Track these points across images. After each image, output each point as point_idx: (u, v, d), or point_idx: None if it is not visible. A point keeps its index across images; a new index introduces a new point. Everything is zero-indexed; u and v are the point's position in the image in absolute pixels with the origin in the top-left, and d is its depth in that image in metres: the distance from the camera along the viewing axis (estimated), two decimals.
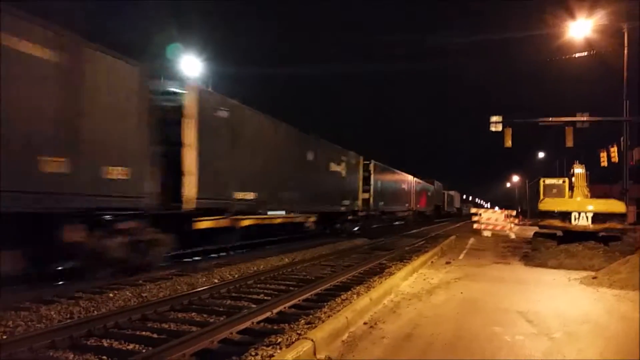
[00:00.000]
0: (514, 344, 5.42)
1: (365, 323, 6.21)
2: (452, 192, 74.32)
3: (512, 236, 22.59)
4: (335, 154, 20.62)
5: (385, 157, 28.93)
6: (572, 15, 22.52)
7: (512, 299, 8.00)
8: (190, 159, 10.55)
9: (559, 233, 15.50)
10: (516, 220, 27.99)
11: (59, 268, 9.33)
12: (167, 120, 10.20)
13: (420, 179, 43.29)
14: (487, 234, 22.81)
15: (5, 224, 6.81)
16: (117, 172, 8.71)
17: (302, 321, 6.36)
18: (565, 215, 14.66)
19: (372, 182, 25.44)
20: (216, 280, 9.77)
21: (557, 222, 14.92)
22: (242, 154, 12.76)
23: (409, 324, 6.27)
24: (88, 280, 8.82)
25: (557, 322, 6.44)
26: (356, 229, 23.85)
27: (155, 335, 5.98)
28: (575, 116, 22.90)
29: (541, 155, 62.94)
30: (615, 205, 14.97)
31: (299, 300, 7.85)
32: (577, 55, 23.86)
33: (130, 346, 5.54)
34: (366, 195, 24.78)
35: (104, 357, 5.12)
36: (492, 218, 23.84)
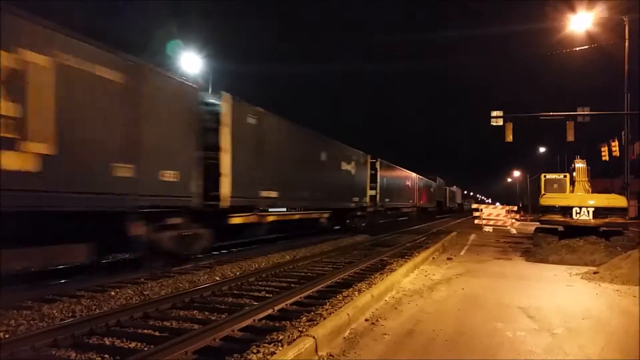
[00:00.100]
0: (515, 340, 5.43)
1: (366, 320, 6.22)
2: (453, 188, 74.56)
3: (513, 232, 22.61)
4: (345, 153, 21.63)
5: (386, 154, 29.24)
6: (572, 9, 22.48)
7: (514, 295, 8.00)
8: (225, 162, 11.79)
9: (560, 228, 15.48)
10: (517, 216, 28.01)
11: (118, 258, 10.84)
12: (207, 128, 11.38)
13: (423, 175, 43.81)
14: (488, 229, 22.82)
15: (84, 221, 8.28)
16: (170, 175, 10.00)
17: (304, 318, 6.37)
18: (567, 210, 14.64)
19: (378, 179, 26.36)
20: (218, 278, 9.78)
21: (558, 217, 14.90)
22: (267, 156, 13.98)
23: (410, 320, 6.28)
24: (145, 268, 10.11)
25: (558, 317, 6.45)
26: (363, 224, 24.43)
27: (157, 333, 5.99)
28: (576, 110, 22.86)
29: (542, 150, 62.97)
30: (616, 200, 14.94)
31: (301, 297, 7.86)
32: (578, 49, 23.82)
33: (132, 344, 5.54)
34: (373, 192, 25.66)
35: (106, 356, 5.12)
36: (493, 214, 23.84)
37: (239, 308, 7.12)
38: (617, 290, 8.44)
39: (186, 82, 10.81)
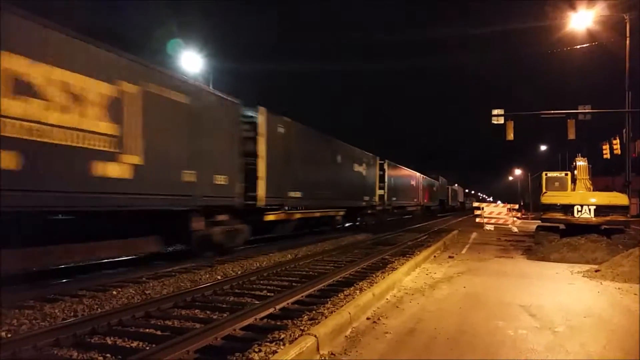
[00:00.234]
0: (516, 338, 5.43)
1: (368, 318, 6.22)
2: (455, 187, 75.02)
3: (515, 230, 22.60)
4: (357, 155, 23.34)
5: (387, 154, 29.77)
6: (573, 7, 22.45)
7: (515, 293, 8.00)
8: (261, 167, 13.61)
9: (562, 226, 15.47)
10: (519, 214, 27.99)
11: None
12: (245, 137, 13.18)
13: (426, 175, 45.01)
14: (489, 228, 22.81)
15: (155, 219, 10.19)
16: (221, 179, 11.79)
17: (305, 317, 6.37)
18: (568, 208, 14.62)
19: (386, 179, 27.98)
20: (219, 277, 9.79)
21: (559, 215, 14.88)
22: (292, 160, 15.77)
23: (412, 318, 6.28)
24: (198, 257, 11.76)
25: (560, 315, 6.45)
26: (373, 222, 25.78)
27: (158, 333, 6.00)
28: (577, 108, 22.83)
29: (543, 148, 62.90)
30: (617, 198, 14.92)
31: (302, 296, 7.86)
32: (579, 47, 23.79)
33: (134, 344, 5.55)
34: (381, 192, 27.27)
35: (108, 355, 5.13)
36: (494, 212, 23.82)
37: (240, 307, 7.13)
38: (619, 289, 8.43)
39: (230, 99, 12.53)
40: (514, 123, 23.66)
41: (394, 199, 30.16)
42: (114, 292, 8.03)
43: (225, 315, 6.67)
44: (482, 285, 8.73)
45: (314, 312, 6.67)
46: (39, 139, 7.15)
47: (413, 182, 37.77)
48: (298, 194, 16.03)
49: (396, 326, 5.88)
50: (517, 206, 27.06)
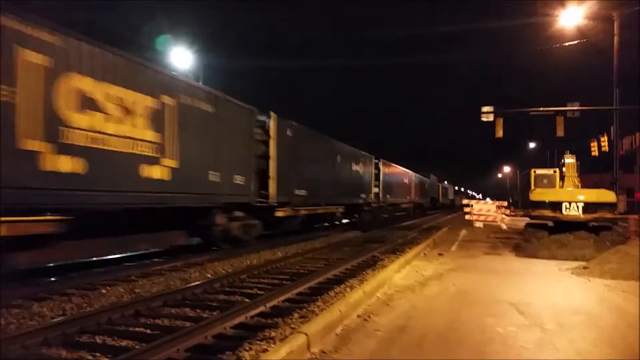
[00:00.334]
0: (506, 335, 5.47)
1: (359, 316, 6.23)
2: (446, 185, 75.55)
3: (504, 227, 22.73)
4: (354, 155, 24.63)
5: (378, 150, 30.25)
6: (562, 3, 22.59)
7: (504, 290, 8.06)
8: (272, 167, 14.87)
9: (550, 223, 15.60)
10: (507, 211, 28.15)
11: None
12: (258, 140, 14.49)
13: (418, 173, 46.01)
14: (478, 225, 22.90)
15: (183, 214, 11.44)
16: (239, 179, 13.14)
17: (296, 315, 6.36)
18: (556, 206, 14.74)
19: (380, 177, 29.23)
20: (209, 275, 9.76)
21: (548, 213, 15.01)
22: (298, 161, 17.02)
23: (402, 316, 6.30)
24: (217, 249, 13.04)
25: (548, 312, 6.50)
26: (369, 218, 26.71)
27: (148, 331, 5.96)
28: (565, 106, 22.99)
29: (532, 145, 63.27)
30: (605, 195, 15.08)
31: (293, 294, 7.85)
32: (567, 44, 23.94)
33: (124, 342, 5.51)
34: (376, 190, 28.49)
35: (97, 354, 5.09)
36: (483, 209, 23.90)
37: (230, 305, 7.11)
38: (607, 285, 8.52)
39: (245, 106, 13.79)
40: (503, 120, 23.80)
41: (388, 196, 31.34)
42: (103, 291, 7.98)
43: (215, 313, 6.65)
44: (471, 283, 8.78)
45: (304, 310, 6.65)
46: (100, 147, 8.45)
47: (405, 180, 38.84)
48: (303, 192, 17.28)
49: (387, 324, 5.90)
50: (506, 203, 27.20)
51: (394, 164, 34.24)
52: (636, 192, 38.88)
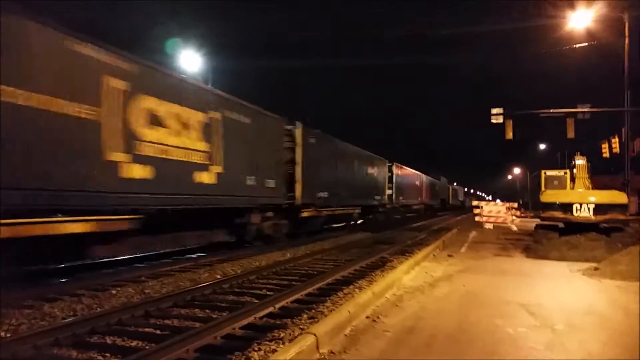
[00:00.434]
0: (516, 336, 5.43)
1: (367, 317, 6.23)
2: (456, 186, 75.71)
3: (514, 228, 22.58)
4: (370, 159, 26.15)
5: (388, 153, 30.63)
6: (571, 6, 22.41)
7: (514, 291, 8.01)
8: (298, 172, 16.44)
9: (561, 225, 15.49)
10: (518, 213, 27.97)
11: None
12: (286, 147, 16.01)
13: (428, 175, 47.38)
14: (488, 226, 22.76)
15: (225, 214, 12.75)
16: (271, 183, 14.54)
17: (305, 316, 6.37)
18: (567, 207, 14.64)
19: (394, 180, 30.63)
20: (218, 276, 9.79)
21: (558, 214, 14.91)
22: (320, 166, 18.45)
23: (411, 317, 6.28)
24: (249, 246, 14.42)
25: (559, 314, 6.45)
26: (383, 219, 28.34)
27: (158, 332, 5.98)
28: (576, 107, 22.80)
29: (543, 147, 62.84)
30: (616, 196, 14.95)
31: (302, 295, 7.85)
32: (577, 45, 23.75)
33: (134, 343, 5.54)
34: (390, 192, 29.96)
35: (108, 355, 5.12)
36: (493, 211, 23.73)
37: (240, 306, 7.12)
38: (618, 286, 8.44)
39: (275, 116, 15.34)
40: (513, 122, 23.64)
41: (401, 198, 32.74)
42: (113, 292, 8.03)
43: (224, 314, 6.67)
44: (481, 284, 8.74)
45: (313, 310, 6.66)
46: (163, 156, 9.87)
47: (417, 182, 40.16)
48: (325, 195, 18.72)
49: (396, 324, 5.88)
50: (516, 205, 27.01)
51: (406, 167, 35.24)
52: None
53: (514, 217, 24.03)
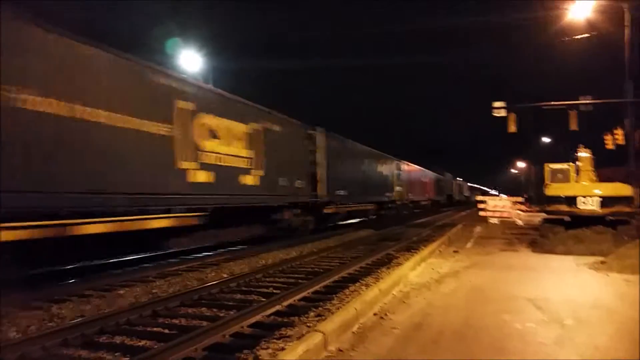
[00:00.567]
0: (524, 332, 5.43)
1: (375, 314, 6.23)
2: (460, 182, 75.90)
3: (520, 223, 22.53)
4: (380, 158, 27.74)
5: (391, 149, 31.02)
6: None
7: (521, 286, 7.99)
8: (321, 172, 18.20)
9: (567, 218, 15.44)
10: (523, 207, 27.87)
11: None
12: (310, 150, 17.69)
13: (433, 171, 48.59)
14: (494, 221, 22.70)
15: (261, 212, 14.76)
16: (299, 183, 16.45)
17: (312, 313, 6.38)
18: (572, 200, 14.61)
19: (402, 177, 32.10)
20: (225, 275, 9.81)
21: (564, 207, 14.87)
22: (339, 166, 20.08)
23: (418, 313, 6.29)
24: (284, 239, 15.77)
25: (567, 308, 6.44)
26: (393, 213, 29.95)
27: (166, 331, 6.01)
28: (578, 100, 22.69)
29: (547, 140, 62.54)
30: (622, 189, 14.89)
31: (308, 293, 7.86)
32: (578, 37, 23.59)
33: (142, 342, 5.57)
34: (399, 188, 31.32)
35: (116, 354, 5.16)
36: (498, 205, 23.65)
37: (247, 304, 7.15)
38: (625, 280, 8.41)
39: (300, 123, 17.20)
40: (515, 115, 23.53)
41: (410, 194, 34.35)
42: (121, 292, 8.06)
43: (232, 312, 6.68)
44: (488, 279, 8.73)
45: (320, 308, 6.67)
46: (219, 163, 11.67)
47: (423, 179, 41.69)
48: (343, 192, 20.31)
49: (403, 321, 5.89)
50: (521, 199, 26.90)
51: (413, 164, 36.70)
52: None
53: (519, 212, 23.96)
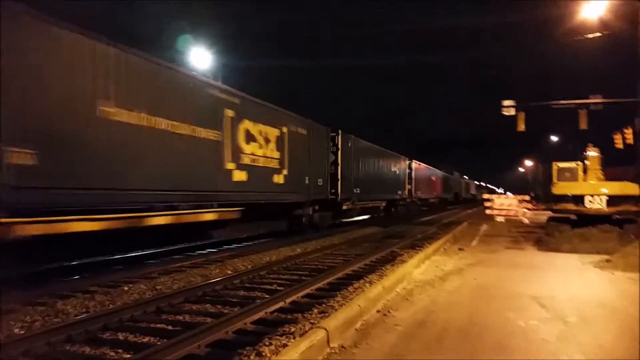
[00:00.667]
0: (527, 329, 5.41)
1: (378, 311, 6.22)
2: (468, 180, 76.14)
3: (526, 221, 22.44)
4: (393, 157, 28.98)
5: (401, 147, 31.46)
6: None
7: (526, 284, 7.97)
8: (339, 171, 19.39)
9: (573, 217, 15.36)
10: (529, 206, 27.73)
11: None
12: (330, 151, 19.02)
13: (442, 169, 49.54)
14: (500, 219, 22.60)
15: (286, 208, 15.89)
16: (320, 181, 17.82)
17: (315, 310, 6.37)
18: (579, 199, 14.52)
19: (412, 176, 33.10)
20: (229, 272, 9.82)
21: (571, 206, 14.79)
22: (355, 165, 21.39)
23: (422, 311, 6.28)
24: (305, 233, 17.03)
25: (571, 306, 6.41)
26: (403, 211, 31.22)
27: (170, 327, 6.02)
28: (588, 99, 22.53)
29: (555, 139, 62.21)
30: (629, 188, 14.79)
31: (312, 290, 7.86)
32: (590, 36, 23.40)
33: (146, 339, 5.58)
34: (409, 187, 32.50)
35: (120, 350, 5.17)
36: (505, 204, 23.50)
37: (250, 301, 7.15)
38: (630, 278, 8.37)
39: (321, 126, 18.35)
40: (525, 114, 23.38)
41: (419, 192, 35.41)
42: (125, 288, 8.09)
43: (235, 309, 6.69)
44: (492, 277, 8.71)
45: (323, 305, 6.66)
46: (254, 164, 13.06)
47: (432, 177, 42.84)
48: (358, 190, 21.48)
49: (406, 318, 5.88)
50: (528, 197, 26.76)
51: (422, 163, 37.77)
52: None
53: (525, 210, 23.85)
